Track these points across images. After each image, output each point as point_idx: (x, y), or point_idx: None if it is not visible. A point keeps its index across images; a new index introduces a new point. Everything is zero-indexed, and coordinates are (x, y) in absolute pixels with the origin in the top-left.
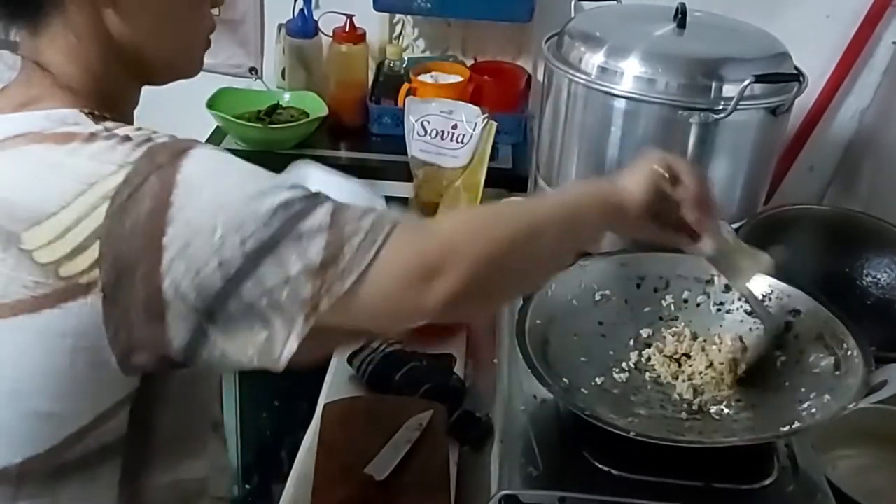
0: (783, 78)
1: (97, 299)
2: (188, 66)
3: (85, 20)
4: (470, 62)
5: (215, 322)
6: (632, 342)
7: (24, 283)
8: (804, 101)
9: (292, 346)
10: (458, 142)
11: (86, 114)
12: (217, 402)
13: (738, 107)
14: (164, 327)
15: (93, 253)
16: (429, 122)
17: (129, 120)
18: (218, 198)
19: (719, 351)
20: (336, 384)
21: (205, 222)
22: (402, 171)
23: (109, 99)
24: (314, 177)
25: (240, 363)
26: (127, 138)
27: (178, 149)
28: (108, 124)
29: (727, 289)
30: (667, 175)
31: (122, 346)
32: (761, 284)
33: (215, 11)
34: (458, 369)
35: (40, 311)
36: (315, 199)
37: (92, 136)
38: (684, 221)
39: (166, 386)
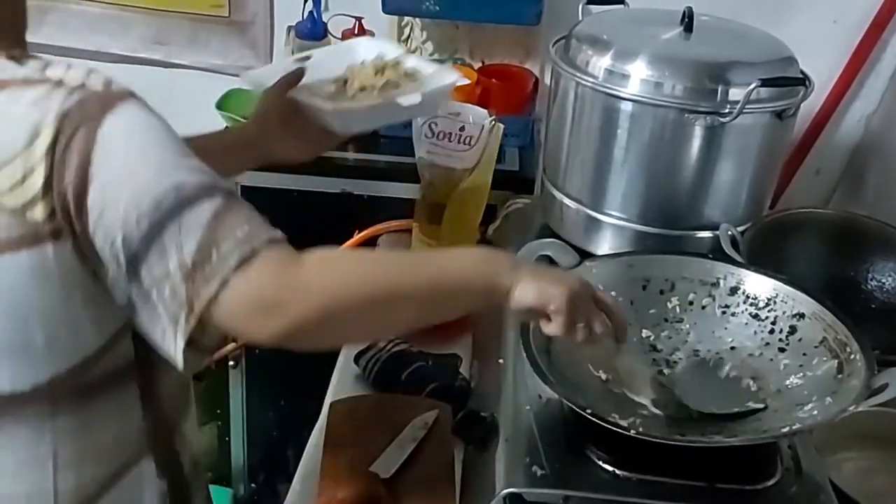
0: (789, 82)
1: (67, 244)
2: None
3: None
4: (478, 65)
5: (133, 298)
6: (636, 343)
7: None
8: (811, 106)
9: (180, 344)
10: (465, 144)
11: (7, 58)
12: None
13: (744, 110)
14: (110, 284)
15: (49, 203)
16: (436, 124)
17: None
18: (127, 164)
19: None
20: (342, 383)
21: (113, 191)
22: (410, 173)
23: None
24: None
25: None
26: (60, 83)
27: (107, 101)
28: (33, 66)
29: (732, 292)
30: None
31: (104, 284)
32: (766, 288)
33: None
34: (464, 369)
35: (20, 251)
36: (210, 189)
37: (26, 81)
38: None
39: None
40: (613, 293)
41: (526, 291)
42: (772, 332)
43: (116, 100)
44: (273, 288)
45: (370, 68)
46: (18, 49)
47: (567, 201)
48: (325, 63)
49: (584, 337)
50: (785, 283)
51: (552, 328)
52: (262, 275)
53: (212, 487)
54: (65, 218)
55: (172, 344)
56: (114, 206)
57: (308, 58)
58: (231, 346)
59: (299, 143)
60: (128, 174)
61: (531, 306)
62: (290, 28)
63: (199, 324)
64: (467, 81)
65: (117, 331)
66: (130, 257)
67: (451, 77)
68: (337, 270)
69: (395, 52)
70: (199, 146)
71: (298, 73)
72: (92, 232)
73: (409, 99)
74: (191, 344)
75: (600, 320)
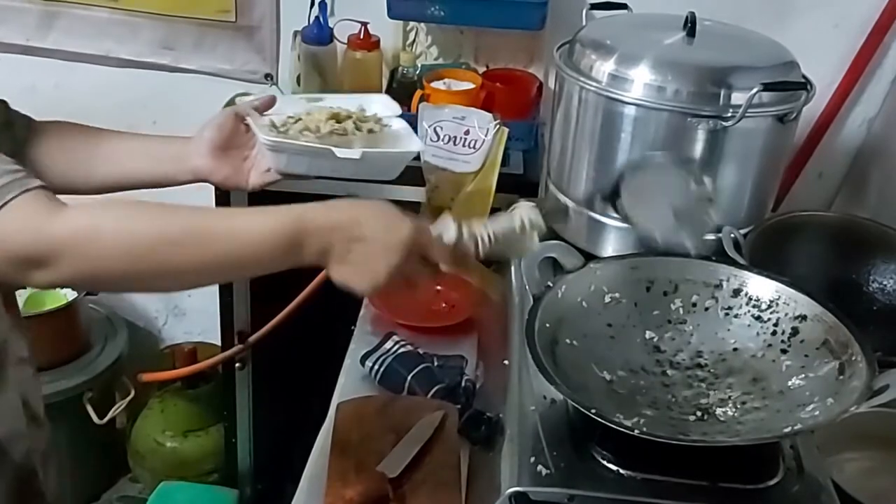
0: (791, 86)
1: None
2: None
3: None
4: (482, 69)
5: None
6: (640, 344)
7: None
8: (813, 110)
9: None
10: (470, 147)
11: None
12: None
13: (747, 114)
14: None
15: None
16: (441, 128)
17: None
18: None
19: None
20: (349, 385)
21: None
22: (415, 176)
23: None
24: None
25: None
26: None
27: None
28: None
29: (735, 294)
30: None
31: None
32: (769, 290)
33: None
34: (470, 370)
35: None
36: None
37: None
38: None
39: None
40: (617, 294)
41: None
42: (774, 333)
43: None
44: (24, 245)
45: (325, 112)
46: None
47: (571, 204)
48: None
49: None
50: (787, 286)
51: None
52: (13, 229)
53: (218, 489)
54: None
55: None
56: None
57: (319, 100)
58: (237, 347)
59: (231, 169)
60: None
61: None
62: (296, 33)
63: None
64: (418, 150)
65: None
66: None
67: (413, 146)
68: (100, 230)
69: (391, 111)
70: (121, 139)
71: (269, 101)
72: None
73: (347, 153)
74: None
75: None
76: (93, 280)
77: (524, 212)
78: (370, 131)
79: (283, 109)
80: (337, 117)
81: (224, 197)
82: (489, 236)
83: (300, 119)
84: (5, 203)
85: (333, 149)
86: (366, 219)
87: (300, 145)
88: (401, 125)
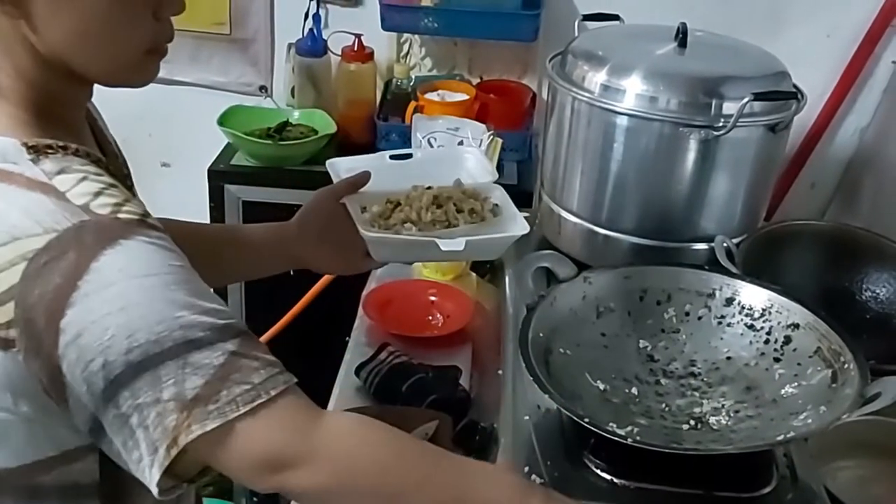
0: (782, 96)
1: (18, 356)
2: (127, 74)
3: (4, 30)
4: (476, 80)
5: (103, 422)
6: (633, 353)
7: None
8: (805, 120)
9: (155, 475)
10: None
11: (27, 148)
12: None
13: (738, 124)
14: (68, 407)
15: (9, 311)
16: (436, 139)
17: (74, 119)
18: (123, 298)
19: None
20: (343, 395)
21: (101, 318)
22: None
23: (48, 103)
24: (343, 165)
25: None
26: (63, 197)
27: (110, 236)
28: (47, 167)
29: (728, 302)
30: None
31: (57, 402)
32: (761, 299)
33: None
34: (464, 380)
35: None
36: (223, 333)
37: (30, 183)
38: None
39: None
40: (611, 304)
41: None
42: (767, 342)
43: (119, 235)
44: (284, 445)
45: (426, 197)
46: (42, 136)
47: (565, 214)
48: (421, 167)
49: None
50: (780, 294)
51: None
52: (275, 427)
53: (213, 502)
54: (22, 332)
55: (148, 472)
56: (97, 332)
57: (408, 156)
58: None
59: (334, 254)
60: (121, 306)
61: None
62: (290, 45)
63: (180, 456)
64: (524, 232)
65: (76, 448)
66: (110, 381)
67: (518, 230)
68: (357, 447)
69: (487, 175)
70: (227, 239)
71: (362, 178)
72: (60, 353)
73: (450, 244)
74: (169, 472)
75: None
76: (326, 495)
77: None
78: (472, 211)
79: (376, 181)
80: (438, 201)
81: (219, 212)
82: None
83: (399, 204)
84: (269, 400)
85: (438, 241)
86: None
87: (404, 239)
88: (500, 196)
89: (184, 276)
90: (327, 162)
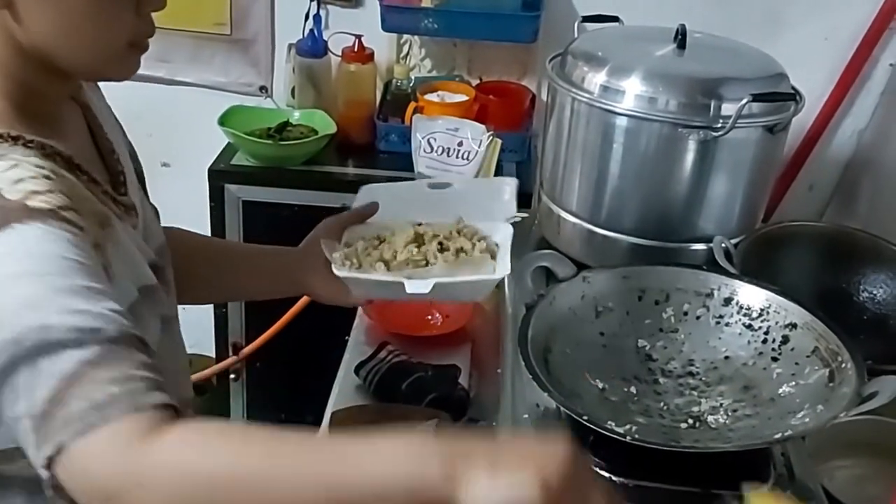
0: (780, 97)
1: None
2: (109, 68)
3: None
4: (475, 81)
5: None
6: (632, 353)
7: None
8: (803, 122)
9: (48, 491)
10: (463, 158)
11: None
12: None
13: (736, 125)
14: None
15: None
16: (435, 140)
17: (53, 112)
18: None
19: None
20: (343, 394)
21: None
22: None
23: (24, 96)
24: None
25: None
26: None
27: (6, 218)
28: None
29: (726, 302)
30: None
31: None
32: (759, 299)
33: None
34: (463, 379)
35: None
36: (83, 336)
37: None
38: None
39: None
40: (609, 304)
41: (482, 498)
42: (765, 341)
43: (15, 219)
44: (109, 473)
45: (405, 236)
46: (10, 127)
47: (564, 215)
48: (456, 198)
49: None
50: (778, 294)
51: None
52: (100, 454)
53: None
54: None
55: (47, 487)
56: None
57: (447, 185)
58: (231, 359)
59: (335, 283)
60: None
61: None
62: (290, 46)
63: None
64: (501, 276)
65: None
66: None
67: (496, 273)
68: (193, 463)
69: (508, 212)
70: (232, 258)
71: (370, 210)
72: None
73: (417, 286)
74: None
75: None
76: None
77: None
78: (460, 250)
79: (406, 210)
80: (420, 240)
81: (219, 212)
82: None
83: (384, 241)
84: (103, 424)
85: (405, 281)
86: None
87: (370, 280)
88: (503, 237)
89: (72, 271)
90: (364, 187)
